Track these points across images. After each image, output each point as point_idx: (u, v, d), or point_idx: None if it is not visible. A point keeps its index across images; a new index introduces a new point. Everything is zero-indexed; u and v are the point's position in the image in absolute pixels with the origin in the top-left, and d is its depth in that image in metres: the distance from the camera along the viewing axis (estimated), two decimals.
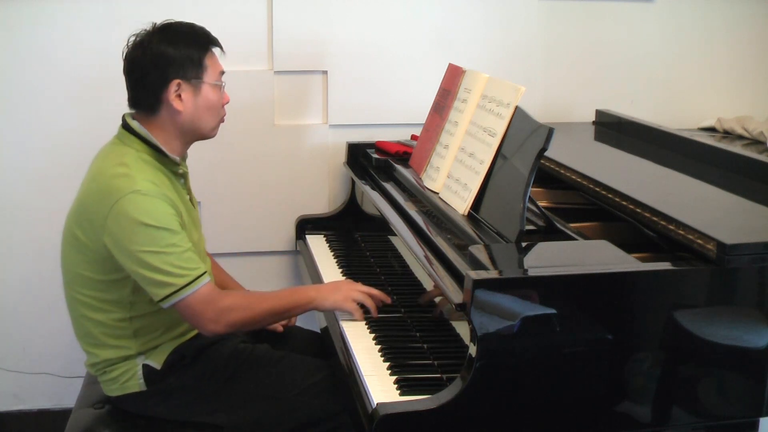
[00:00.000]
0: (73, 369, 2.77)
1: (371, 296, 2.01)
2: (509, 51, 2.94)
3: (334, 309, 2.02)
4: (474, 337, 1.54)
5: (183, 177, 2.05)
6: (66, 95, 2.69)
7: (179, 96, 1.93)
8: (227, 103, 2.05)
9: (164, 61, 1.91)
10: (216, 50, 2.02)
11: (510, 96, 1.95)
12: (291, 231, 2.85)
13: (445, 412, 1.54)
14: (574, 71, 3.01)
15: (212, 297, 1.87)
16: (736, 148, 2.60)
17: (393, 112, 2.88)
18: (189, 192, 2.10)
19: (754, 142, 2.80)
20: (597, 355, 1.62)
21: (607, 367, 1.63)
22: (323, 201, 2.90)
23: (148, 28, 1.96)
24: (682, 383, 1.68)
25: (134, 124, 1.95)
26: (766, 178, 2.13)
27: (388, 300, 2.04)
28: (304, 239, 2.73)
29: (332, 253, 2.57)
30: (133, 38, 1.96)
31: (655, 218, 1.80)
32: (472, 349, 1.55)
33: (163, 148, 1.95)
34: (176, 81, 1.92)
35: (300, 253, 2.74)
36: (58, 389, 2.86)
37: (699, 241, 1.66)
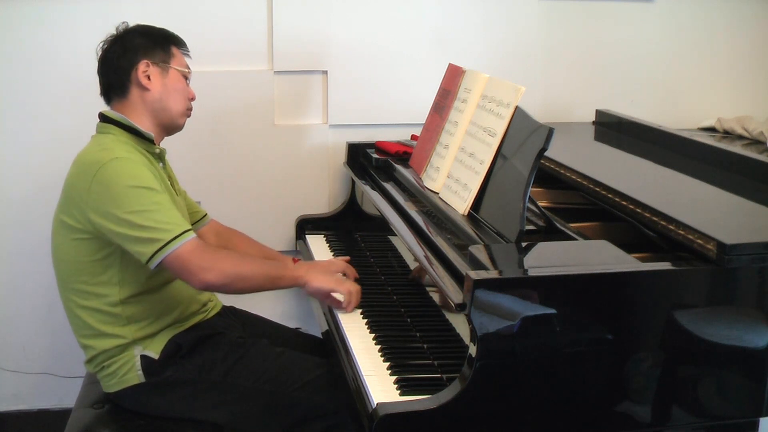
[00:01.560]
0: (73, 369, 2.77)
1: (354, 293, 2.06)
2: (509, 51, 2.94)
3: (322, 289, 2.05)
4: (474, 337, 1.54)
5: (161, 159, 2.11)
6: (66, 95, 2.68)
7: (147, 76, 2.03)
8: (193, 99, 2.13)
9: (134, 47, 2.05)
10: (183, 51, 2.14)
11: (510, 96, 1.95)
12: (291, 231, 2.85)
13: (445, 412, 1.54)
14: (574, 71, 3.01)
15: (201, 247, 1.89)
16: (736, 148, 2.60)
17: (393, 112, 2.88)
18: (171, 178, 2.15)
19: (754, 142, 2.80)
20: (597, 355, 1.62)
21: (607, 367, 1.63)
22: (323, 201, 2.90)
23: (120, 28, 2.11)
24: (682, 383, 1.68)
25: (110, 112, 2.06)
26: (766, 178, 2.13)
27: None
28: (304, 239, 2.73)
29: (332, 253, 2.57)
30: (109, 37, 2.09)
31: (655, 218, 1.80)
32: (472, 349, 1.55)
33: (138, 127, 2.03)
34: (144, 61, 2.03)
35: (300, 253, 2.74)
36: (58, 389, 2.86)
37: (699, 241, 1.66)
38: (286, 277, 2.03)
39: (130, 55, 2.03)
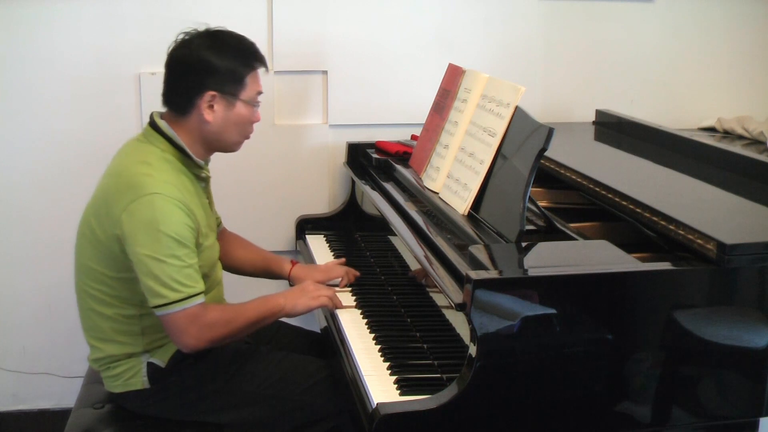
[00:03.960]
0: (73, 369, 2.77)
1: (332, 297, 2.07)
2: (509, 51, 2.94)
3: (306, 310, 2.04)
4: (474, 337, 1.54)
5: (205, 181, 2.05)
6: (66, 95, 2.68)
7: (211, 107, 1.93)
8: (257, 122, 2.03)
9: (205, 69, 1.91)
10: (260, 69, 2.00)
11: (510, 96, 1.95)
12: (291, 231, 2.85)
13: (445, 412, 1.54)
14: (574, 71, 3.01)
15: (198, 315, 1.86)
16: (736, 148, 2.60)
17: (393, 112, 2.88)
18: (209, 197, 2.10)
19: (754, 142, 2.80)
20: (597, 355, 1.62)
21: (607, 367, 1.63)
22: (323, 201, 2.90)
23: (198, 29, 1.96)
24: (682, 383, 1.68)
25: (162, 124, 1.95)
26: (766, 178, 2.13)
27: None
28: (304, 239, 2.73)
29: (332, 253, 2.57)
30: (182, 36, 1.96)
31: (655, 218, 1.80)
32: (472, 349, 1.55)
33: (188, 151, 1.95)
34: (211, 93, 1.91)
35: (300, 253, 2.74)
36: (58, 389, 2.86)
37: (699, 241, 1.66)
38: (269, 316, 2.00)
39: (199, 78, 1.90)
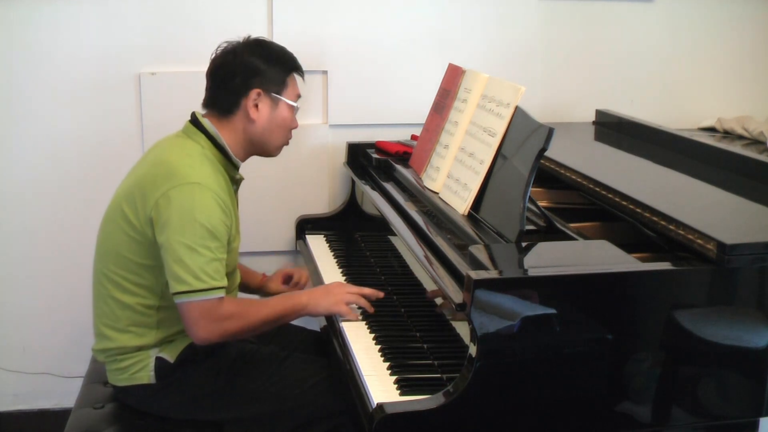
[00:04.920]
0: (73, 369, 2.77)
1: (363, 295, 2.03)
2: (509, 51, 2.94)
3: (328, 313, 2.04)
4: (474, 337, 1.54)
5: (237, 185, 2.10)
6: (66, 95, 2.68)
7: (256, 106, 2.01)
8: (296, 128, 2.11)
9: (251, 70, 2.00)
10: (298, 77, 2.10)
11: (510, 96, 1.95)
12: (291, 231, 2.85)
13: (445, 412, 1.54)
14: (574, 71, 3.01)
15: (217, 308, 1.88)
16: (736, 148, 2.60)
17: (393, 112, 2.88)
18: (237, 200, 2.13)
19: (754, 142, 2.80)
20: (597, 355, 1.62)
21: (607, 367, 1.63)
22: (323, 201, 2.90)
23: (241, 40, 2.05)
24: (682, 383, 1.68)
25: (205, 122, 2.01)
26: (766, 178, 2.13)
27: (381, 295, 2.05)
28: (304, 239, 2.73)
29: (332, 253, 2.57)
30: (224, 45, 2.04)
31: (655, 218, 1.80)
32: (472, 349, 1.55)
33: (229, 151, 2.01)
34: (257, 90, 2.00)
35: (300, 253, 2.74)
36: (58, 389, 2.86)
37: (699, 241, 1.66)
38: (289, 314, 2.00)
39: (245, 78, 1.99)
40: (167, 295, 1.92)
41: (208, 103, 2.04)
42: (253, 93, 1.99)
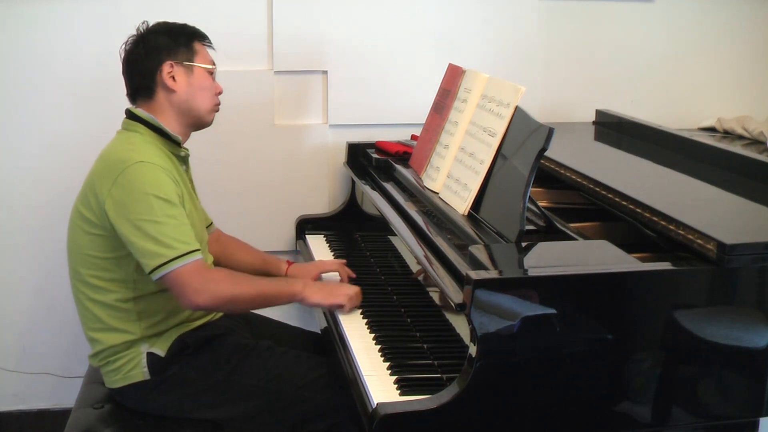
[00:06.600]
0: (73, 369, 2.77)
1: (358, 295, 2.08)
2: (509, 51, 2.94)
3: (321, 304, 2.05)
4: (474, 337, 1.54)
5: (185, 162, 2.11)
6: (66, 95, 2.69)
7: (173, 78, 2.03)
8: (220, 93, 2.13)
9: (156, 48, 2.04)
10: (206, 44, 2.13)
11: (510, 96, 1.95)
12: (291, 231, 2.85)
13: (445, 412, 1.54)
14: (574, 71, 3.01)
15: (200, 270, 1.89)
16: (736, 148, 2.60)
17: (393, 112, 2.88)
18: (191, 181, 2.15)
19: (754, 142, 2.80)
20: (597, 355, 1.62)
21: (607, 367, 1.63)
22: (323, 201, 2.90)
23: (141, 28, 2.09)
24: (682, 383, 1.68)
25: (138, 111, 2.05)
26: (766, 178, 2.13)
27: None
28: (304, 239, 2.73)
29: (332, 253, 2.57)
30: (131, 38, 2.08)
31: (655, 218, 1.80)
32: (472, 349, 1.55)
33: (166, 129, 2.03)
34: (168, 62, 2.03)
35: (300, 253, 2.74)
36: (58, 389, 2.86)
37: (699, 241, 1.66)
38: (283, 295, 2.03)
39: (154, 56, 2.03)
40: (140, 284, 1.95)
41: (132, 94, 2.08)
42: (165, 66, 2.02)
